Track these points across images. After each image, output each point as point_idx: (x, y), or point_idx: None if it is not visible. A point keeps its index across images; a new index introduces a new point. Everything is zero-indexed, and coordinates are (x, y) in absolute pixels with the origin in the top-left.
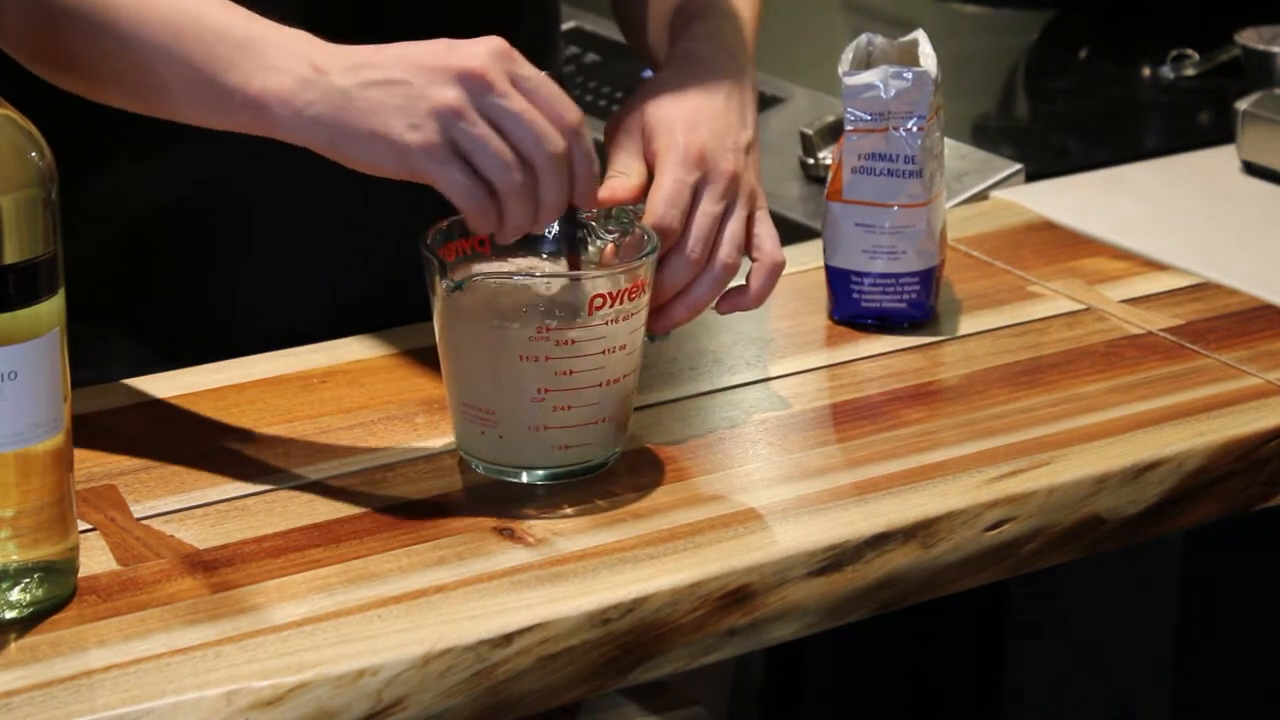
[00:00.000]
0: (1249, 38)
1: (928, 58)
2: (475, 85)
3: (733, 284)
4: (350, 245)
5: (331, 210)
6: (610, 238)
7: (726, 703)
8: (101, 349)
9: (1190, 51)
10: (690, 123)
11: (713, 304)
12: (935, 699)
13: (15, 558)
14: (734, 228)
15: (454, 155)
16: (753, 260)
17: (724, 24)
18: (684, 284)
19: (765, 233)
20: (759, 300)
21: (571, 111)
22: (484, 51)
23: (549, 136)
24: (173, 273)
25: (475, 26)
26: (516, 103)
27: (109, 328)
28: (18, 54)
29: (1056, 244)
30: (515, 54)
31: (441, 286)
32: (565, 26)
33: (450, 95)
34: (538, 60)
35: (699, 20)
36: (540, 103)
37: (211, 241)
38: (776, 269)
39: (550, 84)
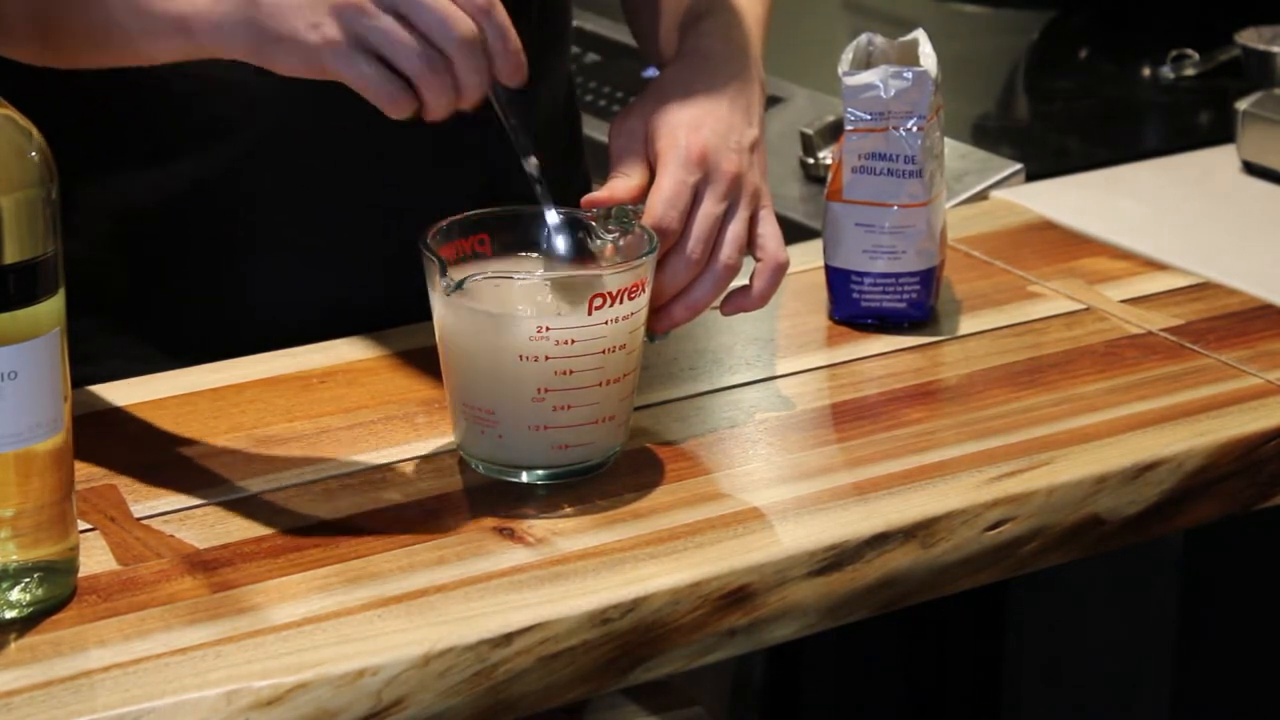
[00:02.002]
0: (1249, 38)
1: (928, 58)
2: None
3: (736, 284)
4: (354, 245)
5: (335, 210)
6: (610, 238)
7: (726, 703)
8: (105, 347)
9: (1190, 51)
10: (693, 123)
11: (715, 304)
12: (935, 699)
13: (15, 558)
14: (735, 228)
15: (361, 51)
16: (756, 260)
17: (733, 21)
18: (684, 284)
19: (769, 233)
20: (762, 301)
21: None
22: None
23: (455, 19)
24: (176, 271)
25: None
26: None
27: (112, 325)
28: (21, 42)
29: (1056, 244)
30: None
31: (441, 286)
32: None
33: None
34: (547, 62)
35: (708, 17)
36: None
37: (214, 240)
38: (780, 269)
39: None
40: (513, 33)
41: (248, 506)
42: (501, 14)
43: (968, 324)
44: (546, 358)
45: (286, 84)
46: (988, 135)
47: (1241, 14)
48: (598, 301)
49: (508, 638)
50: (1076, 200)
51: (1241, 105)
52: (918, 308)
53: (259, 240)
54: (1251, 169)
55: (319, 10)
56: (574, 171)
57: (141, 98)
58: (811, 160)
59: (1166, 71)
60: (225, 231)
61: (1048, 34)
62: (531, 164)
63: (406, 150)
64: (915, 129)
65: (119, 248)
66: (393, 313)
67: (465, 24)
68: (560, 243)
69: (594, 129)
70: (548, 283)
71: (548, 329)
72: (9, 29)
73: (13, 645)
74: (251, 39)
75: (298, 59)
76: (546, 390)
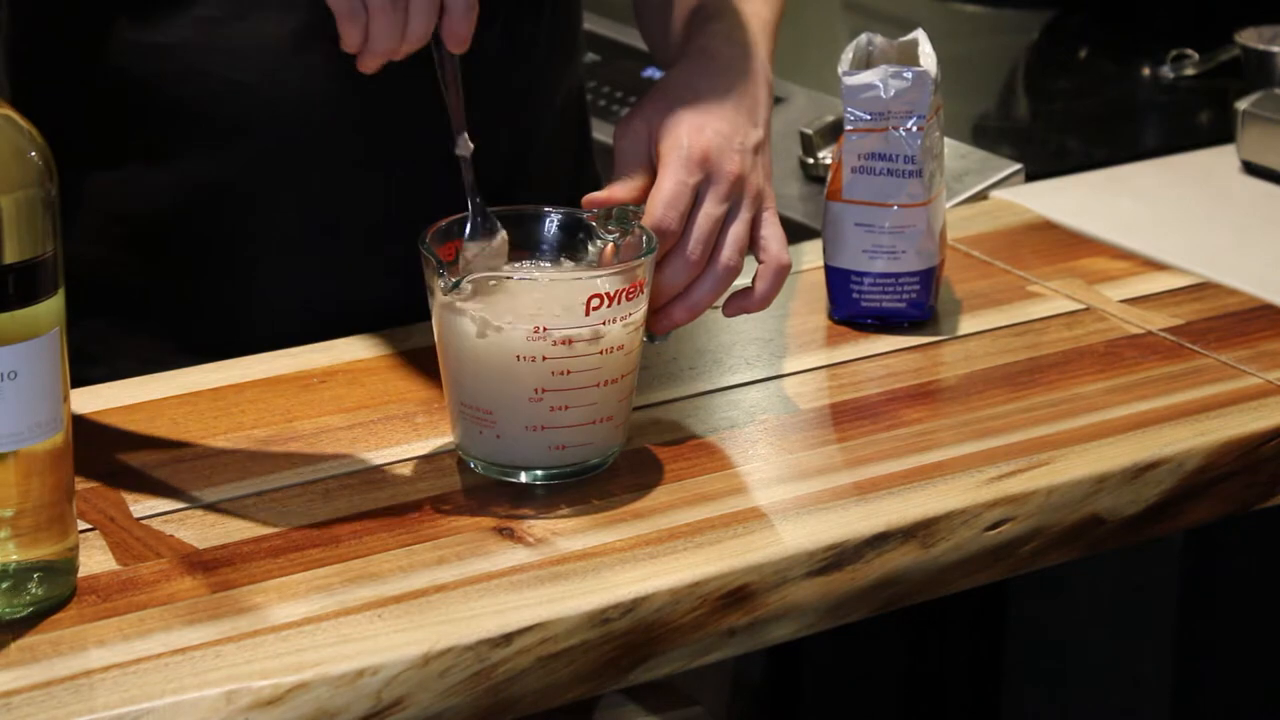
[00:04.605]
0: (1249, 38)
1: (928, 57)
2: None
3: (739, 285)
4: (361, 247)
5: (341, 212)
6: (610, 238)
7: (726, 703)
8: (114, 347)
9: (1190, 51)
10: (696, 124)
11: (716, 305)
12: (935, 699)
13: (15, 558)
14: (737, 229)
15: None
16: (758, 262)
17: (742, 23)
18: (684, 285)
19: (771, 234)
20: (764, 302)
21: None
22: None
23: None
24: (184, 272)
25: (493, 23)
26: None
27: (122, 326)
28: None
29: (1056, 244)
30: None
31: (439, 285)
32: None
33: None
34: (561, 62)
35: (717, 19)
36: None
37: (223, 241)
38: (782, 271)
39: None
40: (475, 3)
41: (248, 506)
42: None
43: (968, 324)
44: (544, 358)
45: (297, 88)
46: (988, 135)
47: (1241, 14)
48: (595, 302)
49: (508, 638)
50: (1076, 200)
51: (1241, 105)
52: (918, 308)
53: (266, 242)
54: (1251, 169)
55: None
56: (583, 172)
57: (152, 100)
58: (811, 160)
59: (1166, 71)
60: (233, 233)
61: (1048, 34)
62: (463, 142)
63: (412, 155)
64: (915, 129)
65: (129, 248)
66: (399, 313)
67: None
68: (560, 243)
69: (599, 131)
70: (545, 283)
71: (545, 329)
72: None
73: (13, 645)
74: None
75: None
76: (544, 390)
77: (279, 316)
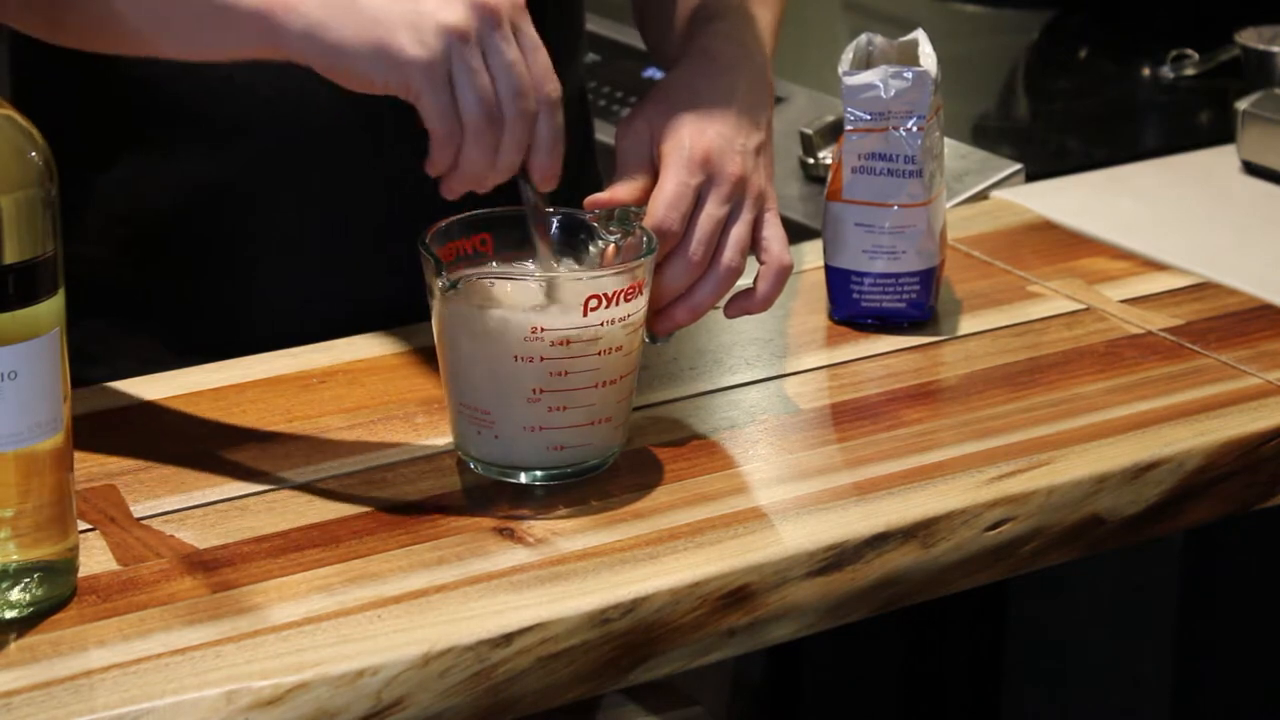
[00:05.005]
0: (1249, 38)
1: (928, 57)
2: (486, 17)
3: (740, 286)
4: (363, 246)
5: (344, 212)
6: (612, 239)
7: (726, 703)
8: (115, 347)
9: (1190, 51)
10: (698, 124)
11: (717, 306)
12: (935, 699)
13: (15, 558)
14: (738, 230)
15: (447, 80)
16: (760, 263)
17: (743, 24)
18: (685, 286)
19: (773, 235)
20: (766, 303)
21: (554, 85)
22: None
23: (527, 94)
24: (186, 272)
25: None
26: (513, 51)
27: (123, 326)
28: (26, 24)
29: (1056, 244)
30: (526, 12)
31: (438, 286)
32: None
33: (461, 18)
34: (562, 62)
35: (718, 19)
36: (531, 64)
37: (223, 241)
38: (784, 272)
39: (544, 54)
40: (562, 138)
41: (248, 506)
42: (560, 116)
43: (968, 324)
44: (541, 359)
45: (297, 87)
46: (988, 135)
47: (1241, 14)
48: (593, 303)
49: (507, 638)
50: (1076, 200)
51: (1241, 105)
52: (918, 308)
53: (267, 242)
54: (1251, 169)
55: (425, 29)
56: (585, 173)
57: (152, 100)
58: (811, 160)
59: (1166, 71)
60: (233, 233)
61: (1048, 34)
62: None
63: (414, 155)
64: (915, 129)
65: (129, 249)
66: (400, 313)
67: (532, 103)
68: (560, 243)
69: (601, 132)
70: (543, 283)
71: (542, 330)
72: (9, 11)
73: (13, 645)
74: (335, 43)
75: (386, 72)
76: (542, 391)
77: (279, 316)
